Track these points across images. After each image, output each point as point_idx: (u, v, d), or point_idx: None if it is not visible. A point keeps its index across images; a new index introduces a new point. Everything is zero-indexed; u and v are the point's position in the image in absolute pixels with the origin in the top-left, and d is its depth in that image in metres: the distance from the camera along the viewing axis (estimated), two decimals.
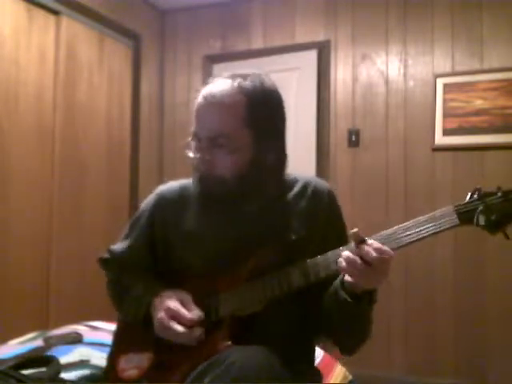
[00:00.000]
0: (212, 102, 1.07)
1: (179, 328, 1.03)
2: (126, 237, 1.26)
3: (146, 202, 1.26)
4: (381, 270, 0.95)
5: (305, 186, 1.19)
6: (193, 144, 1.13)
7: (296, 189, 1.19)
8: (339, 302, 1.04)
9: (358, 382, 1.67)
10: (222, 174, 1.09)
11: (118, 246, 1.27)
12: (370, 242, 0.96)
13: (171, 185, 1.25)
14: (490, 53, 3.03)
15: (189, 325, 1.04)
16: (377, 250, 0.94)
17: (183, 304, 1.07)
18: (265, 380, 0.88)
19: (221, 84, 1.09)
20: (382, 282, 0.98)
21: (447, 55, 3.13)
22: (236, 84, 1.09)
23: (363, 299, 1.01)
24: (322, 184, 1.22)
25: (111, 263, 1.27)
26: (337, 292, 1.05)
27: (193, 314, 1.05)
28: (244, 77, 1.11)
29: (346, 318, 1.04)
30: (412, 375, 3.04)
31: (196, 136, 1.11)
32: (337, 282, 1.07)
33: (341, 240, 1.09)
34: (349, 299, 1.01)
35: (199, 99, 1.11)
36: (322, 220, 1.16)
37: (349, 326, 1.07)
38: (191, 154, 1.13)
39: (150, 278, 1.20)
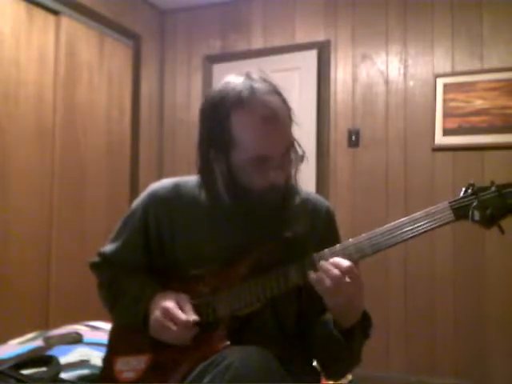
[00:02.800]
0: (275, 120, 1.03)
1: (173, 327, 1.03)
2: (117, 237, 1.22)
3: (138, 200, 1.22)
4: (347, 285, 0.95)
5: (304, 200, 1.20)
6: (251, 164, 1.04)
7: (296, 200, 1.19)
8: (329, 334, 1.05)
9: (357, 381, 1.67)
10: (288, 183, 1.11)
11: (109, 247, 1.23)
12: (331, 260, 0.98)
13: (164, 182, 1.22)
14: (490, 53, 3.03)
15: (182, 326, 1.03)
16: (334, 264, 0.96)
17: (179, 305, 1.07)
18: (263, 380, 0.88)
19: (269, 97, 1.04)
20: (353, 299, 0.97)
21: (447, 55, 3.13)
22: (279, 94, 1.07)
23: (355, 335, 1.02)
24: (322, 201, 1.23)
25: (103, 266, 1.24)
26: (328, 325, 1.06)
27: (188, 316, 1.04)
28: (271, 84, 1.08)
29: (335, 349, 1.06)
30: (412, 375, 3.04)
31: (264, 157, 1.03)
32: (328, 316, 1.08)
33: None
34: (341, 338, 1.03)
35: (256, 121, 1.02)
36: (319, 233, 1.16)
37: (337, 356, 1.08)
38: (246, 173, 1.06)
39: (144, 279, 1.18)
